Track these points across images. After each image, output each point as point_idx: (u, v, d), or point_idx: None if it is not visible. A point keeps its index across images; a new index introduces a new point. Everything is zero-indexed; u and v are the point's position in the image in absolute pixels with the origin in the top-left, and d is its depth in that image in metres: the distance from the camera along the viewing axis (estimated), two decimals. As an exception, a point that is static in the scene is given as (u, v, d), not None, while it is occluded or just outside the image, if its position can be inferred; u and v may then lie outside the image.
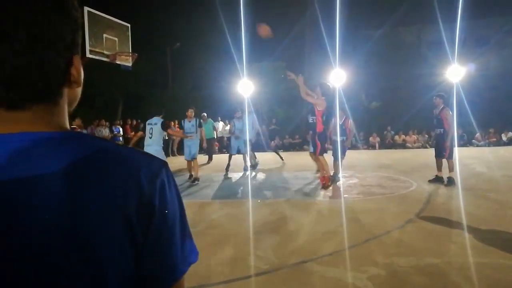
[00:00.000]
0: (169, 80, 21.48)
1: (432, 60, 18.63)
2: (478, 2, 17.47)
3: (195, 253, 0.73)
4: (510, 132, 18.06)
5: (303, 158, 14.08)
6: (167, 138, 11.49)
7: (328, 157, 7.95)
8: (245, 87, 13.41)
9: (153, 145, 7.48)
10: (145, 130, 7.92)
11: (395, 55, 21.30)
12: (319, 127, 7.21)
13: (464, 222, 5.12)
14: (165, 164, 0.68)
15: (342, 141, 8.48)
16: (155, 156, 0.69)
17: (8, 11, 0.58)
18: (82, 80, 0.69)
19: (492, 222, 5.15)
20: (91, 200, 0.59)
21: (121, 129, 16.53)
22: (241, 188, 8.53)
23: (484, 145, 17.49)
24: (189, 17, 21.76)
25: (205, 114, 12.87)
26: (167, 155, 16.34)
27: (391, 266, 3.74)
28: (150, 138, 7.59)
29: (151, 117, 7.93)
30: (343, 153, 8.59)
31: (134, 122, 17.37)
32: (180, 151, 13.67)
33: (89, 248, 0.59)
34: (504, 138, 18.01)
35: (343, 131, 8.54)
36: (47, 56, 0.61)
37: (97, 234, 0.60)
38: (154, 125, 7.67)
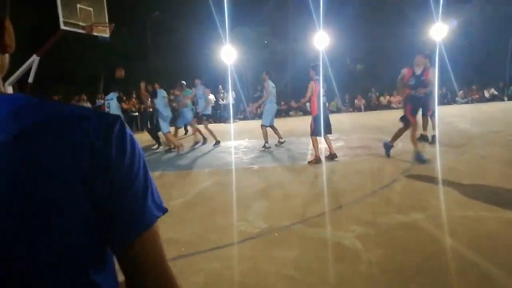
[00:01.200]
0: (148, 51, 20.97)
1: (415, 19, 18.48)
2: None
3: (159, 207, 0.69)
4: (492, 89, 18.27)
5: (288, 125, 14.11)
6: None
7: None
8: (228, 54, 13.17)
9: None
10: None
11: (378, 15, 21.07)
12: (314, 111, 6.93)
13: (449, 178, 5.23)
14: (117, 117, 0.66)
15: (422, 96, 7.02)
16: (106, 112, 0.67)
17: None
18: (14, 45, 0.67)
19: (475, 176, 5.27)
20: (43, 165, 0.57)
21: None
22: (228, 156, 8.54)
23: (467, 102, 17.72)
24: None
25: (184, 83, 12.55)
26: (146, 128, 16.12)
27: (378, 224, 3.83)
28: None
29: (109, 93, 8.99)
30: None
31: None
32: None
33: (47, 218, 0.57)
34: (486, 94, 18.25)
35: (421, 82, 6.94)
36: None
37: (54, 201, 0.57)
38: (110, 100, 8.68)
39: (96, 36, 9.28)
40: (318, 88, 6.91)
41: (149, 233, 0.66)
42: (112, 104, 8.67)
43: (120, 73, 9.34)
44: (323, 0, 15.04)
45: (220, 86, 17.48)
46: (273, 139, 9.26)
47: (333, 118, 8.46)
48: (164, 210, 0.70)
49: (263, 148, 8.90)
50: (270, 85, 9.19)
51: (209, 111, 11.00)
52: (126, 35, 19.03)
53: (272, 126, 9.22)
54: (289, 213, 4.39)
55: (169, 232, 3.95)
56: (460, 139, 8.34)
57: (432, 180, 5.32)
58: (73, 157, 0.59)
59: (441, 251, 3.16)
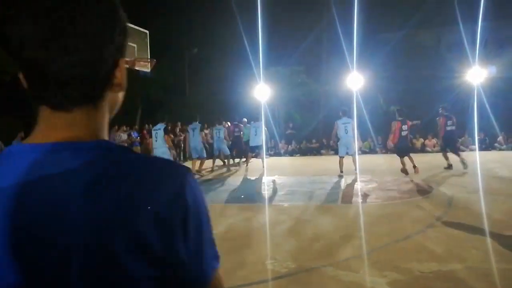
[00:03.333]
0: (186, 85, 21.72)
1: (451, 62, 18.29)
2: (500, 2, 17.10)
3: (217, 258, 0.71)
4: (534, 135, 17.54)
5: (320, 163, 14.00)
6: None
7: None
8: (261, 92, 13.44)
9: (159, 148, 8.81)
10: (151, 136, 9.43)
11: (413, 58, 21.01)
12: (394, 140, 9.78)
13: (487, 227, 4.98)
14: (188, 169, 0.67)
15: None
16: (178, 164, 0.68)
17: (65, 10, 0.59)
18: (126, 84, 0.70)
19: (517, 227, 5.00)
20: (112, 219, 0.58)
21: (138, 134, 16.80)
22: (259, 192, 8.52)
23: (507, 149, 17.04)
24: (206, 23, 21.99)
25: (245, 119, 13.84)
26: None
27: (412, 271, 3.68)
28: (156, 141, 8.89)
29: (156, 124, 9.35)
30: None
31: (152, 127, 17.59)
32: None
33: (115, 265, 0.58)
34: (528, 141, 17.50)
35: None
36: (97, 55, 0.62)
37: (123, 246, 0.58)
38: (158, 130, 8.97)
39: (137, 70, 9.76)
40: (399, 126, 9.68)
41: (213, 284, 0.68)
42: (159, 134, 8.88)
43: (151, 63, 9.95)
44: (356, 42, 15.24)
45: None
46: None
47: (367, 158, 8.37)
48: (218, 258, 0.71)
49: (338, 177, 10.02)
50: (340, 122, 10.40)
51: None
52: (165, 69, 19.89)
53: (352, 157, 10.37)
54: (319, 254, 4.29)
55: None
56: (500, 186, 7.99)
57: (469, 228, 5.08)
58: (144, 215, 0.59)
59: (481, 305, 2.98)
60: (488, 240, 4.51)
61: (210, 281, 0.68)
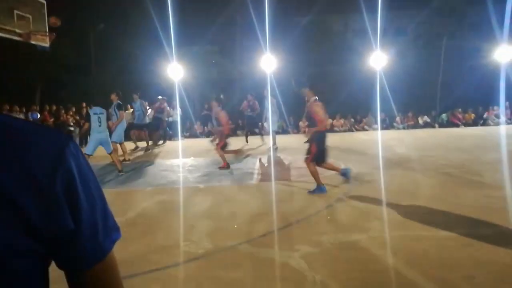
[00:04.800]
0: (92, 63, 20.17)
1: (357, 47, 19.51)
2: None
3: (117, 228, 0.69)
4: (425, 116, 19.58)
5: (235, 144, 14.10)
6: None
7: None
8: (175, 71, 13.03)
9: (104, 132, 8.10)
10: (89, 120, 8.20)
11: (323, 42, 21.99)
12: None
13: (388, 199, 5.45)
14: (71, 137, 0.63)
15: None
16: (59, 131, 0.63)
17: None
18: None
19: (411, 198, 5.54)
20: None
21: (39, 116, 15.23)
22: (173, 175, 8.31)
23: (404, 128, 18.81)
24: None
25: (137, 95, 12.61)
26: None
27: (322, 244, 3.87)
28: (100, 126, 8.07)
29: (95, 106, 8.35)
30: None
31: (54, 108, 16.06)
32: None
33: None
34: (420, 121, 19.50)
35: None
36: None
37: None
38: (101, 114, 8.15)
39: (35, 45, 8.77)
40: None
41: (109, 257, 0.66)
42: (103, 118, 8.18)
43: (55, 21, 8.84)
44: (269, 24, 15.46)
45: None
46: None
47: (280, 138, 8.59)
48: (118, 230, 0.69)
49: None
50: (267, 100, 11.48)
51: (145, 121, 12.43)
52: (68, 46, 18.24)
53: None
54: (235, 233, 4.32)
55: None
56: (399, 162, 8.78)
57: (373, 201, 5.50)
58: (24, 179, 0.55)
59: (383, 270, 3.25)
60: (388, 210, 4.93)
61: (108, 253, 0.66)
